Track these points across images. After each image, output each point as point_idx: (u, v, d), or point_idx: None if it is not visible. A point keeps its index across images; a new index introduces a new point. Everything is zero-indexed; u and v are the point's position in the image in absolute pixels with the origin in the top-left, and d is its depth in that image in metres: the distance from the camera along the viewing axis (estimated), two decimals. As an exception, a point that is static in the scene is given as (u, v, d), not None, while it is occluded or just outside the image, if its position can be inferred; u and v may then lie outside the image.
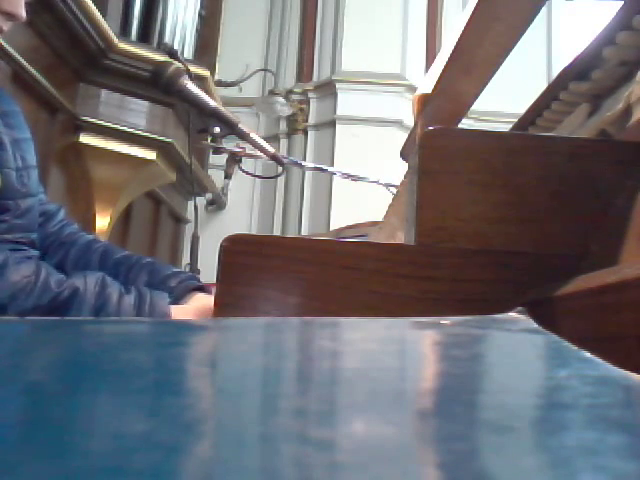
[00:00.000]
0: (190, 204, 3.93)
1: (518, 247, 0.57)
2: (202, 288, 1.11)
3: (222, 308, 0.58)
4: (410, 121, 1.66)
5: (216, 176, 3.85)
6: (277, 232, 4.10)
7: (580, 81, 0.70)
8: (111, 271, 1.06)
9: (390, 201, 1.28)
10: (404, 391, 0.27)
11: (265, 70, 4.38)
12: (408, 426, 0.22)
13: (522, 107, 0.87)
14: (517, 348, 0.35)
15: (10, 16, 0.98)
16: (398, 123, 3.92)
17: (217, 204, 4.26)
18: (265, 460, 0.19)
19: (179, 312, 1.00)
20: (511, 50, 0.74)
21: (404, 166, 1.06)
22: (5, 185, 1.02)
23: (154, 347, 0.37)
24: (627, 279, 0.38)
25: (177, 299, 1.03)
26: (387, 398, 0.25)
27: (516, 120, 0.90)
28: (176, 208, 3.82)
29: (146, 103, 2.77)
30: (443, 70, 0.81)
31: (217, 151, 1.58)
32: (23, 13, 0.99)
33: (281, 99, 4.15)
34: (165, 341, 0.38)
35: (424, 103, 0.94)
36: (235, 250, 0.58)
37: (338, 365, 0.32)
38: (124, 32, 2.82)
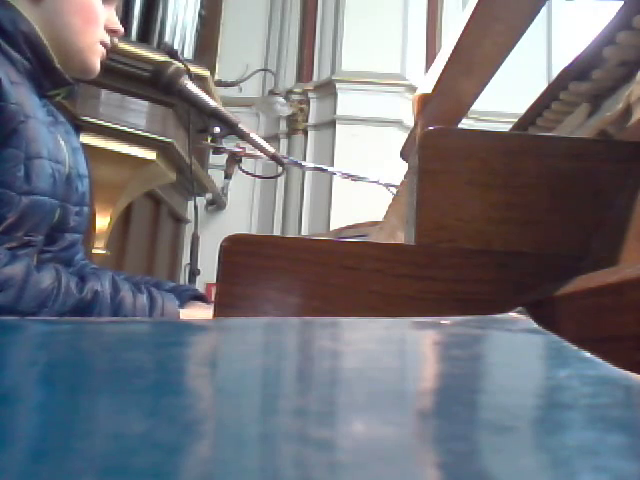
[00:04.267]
0: (190, 204, 3.93)
1: (518, 247, 0.57)
2: (201, 297, 1.15)
3: (222, 308, 0.58)
4: (410, 121, 1.66)
5: (216, 176, 3.85)
6: (277, 232, 4.10)
7: (580, 81, 0.70)
8: None
9: (390, 201, 1.28)
10: (404, 391, 0.27)
11: (265, 70, 4.38)
12: (408, 426, 0.22)
13: (522, 107, 0.87)
14: (517, 348, 0.35)
15: (114, 32, 1.15)
16: (398, 123, 3.92)
17: (217, 204, 4.26)
18: (265, 460, 0.19)
19: (185, 313, 1.05)
20: (511, 50, 0.74)
21: (404, 166, 1.05)
22: (61, 219, 1.05)
23: (154, 347, 0.37)
24: (627, 279, 0.38)
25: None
26: (387, 398, 0.25)
27: (516, 120, 0.90)
28: (176, 208, 3.82)
29: (146, 103, 2.77)
30: (443, 70, 0.81)
31: (217, 151, 1.58)
32: (122, 27, 1.18)
33: (281, 99, 4.15)
34: (165, 341, 0.38)
35: (424, 103, 0.94)
36: (235, 250, 0.58)
37: (338, 365, 0.32)
38: (124, 32, 2.82)
